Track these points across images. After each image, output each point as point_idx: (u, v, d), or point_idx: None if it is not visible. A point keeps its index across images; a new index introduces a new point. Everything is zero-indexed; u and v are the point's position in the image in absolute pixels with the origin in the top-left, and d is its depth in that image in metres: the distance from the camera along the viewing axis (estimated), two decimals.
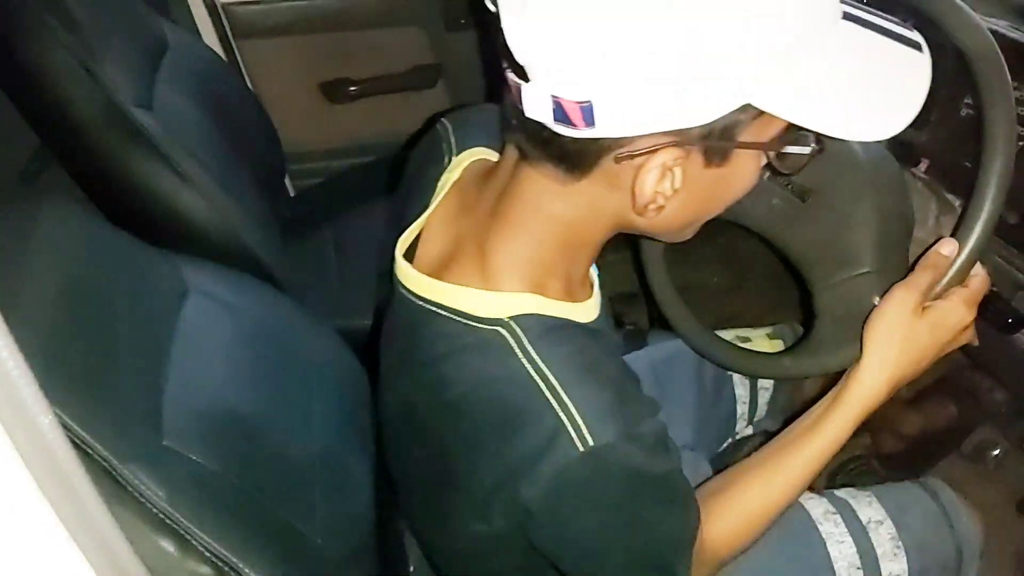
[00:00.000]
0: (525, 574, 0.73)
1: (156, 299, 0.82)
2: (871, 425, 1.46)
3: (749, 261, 1.59)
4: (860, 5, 0.60)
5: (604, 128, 0.53)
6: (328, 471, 0.85)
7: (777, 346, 1.19)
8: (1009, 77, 0.77)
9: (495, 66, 0.58)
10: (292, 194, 1.75)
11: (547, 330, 0.62)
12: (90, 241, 0.80)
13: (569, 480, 0.58)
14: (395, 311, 0.73)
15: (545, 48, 0.51)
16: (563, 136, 0.54)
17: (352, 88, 1.70)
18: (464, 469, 0.65)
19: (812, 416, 0.78)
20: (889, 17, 0.62)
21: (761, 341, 1.20)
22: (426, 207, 0.71)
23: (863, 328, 0.76)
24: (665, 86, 0.50)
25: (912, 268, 0.78)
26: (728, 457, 1.18)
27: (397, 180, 1.58)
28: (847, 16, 0.57)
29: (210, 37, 1.54)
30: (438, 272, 0.66)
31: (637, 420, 0.61)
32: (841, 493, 0.97)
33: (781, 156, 0.61)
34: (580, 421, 0.58)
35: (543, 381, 0.59)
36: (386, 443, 0.86)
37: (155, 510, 0.62)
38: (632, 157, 0.55)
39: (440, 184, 0.73)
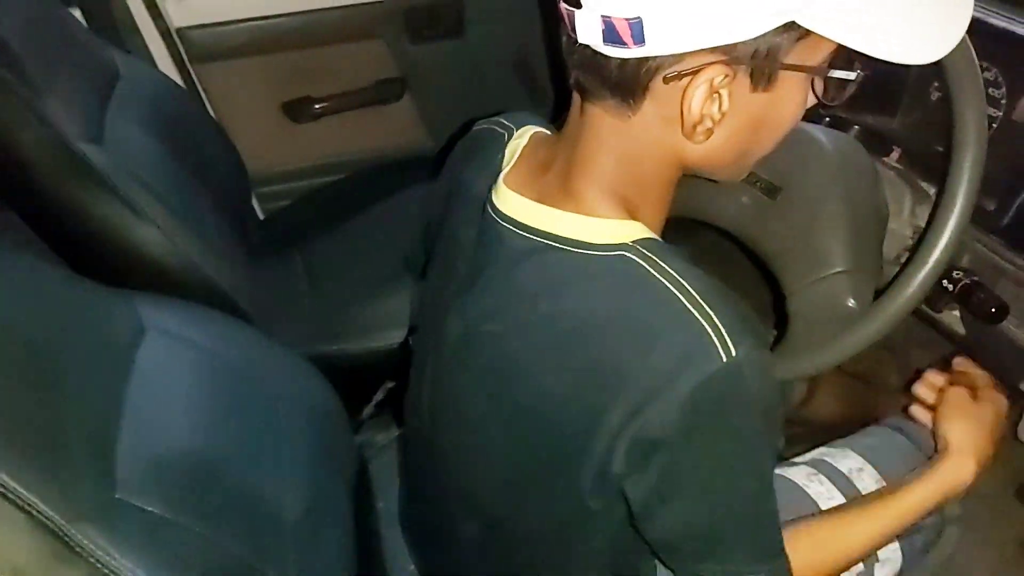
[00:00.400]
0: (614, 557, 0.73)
1: (110, 343, 0.79)
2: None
3: (722, 264, 1.57)
4: None
5: (653, 46, 0.54)
6: (302, 512, 0.82)
7: None
8: (976, 59, 0.75)
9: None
10: (261, 217, 1.72)
11: (670, 251, 0.61)
12: (38, 287, 0.76)
13: (710, 394, 0.57)
14: (480, 260, 0.70)
15: None
16: (613, 60, 0.56)
17: (316, 106, 1.68)
18: (581, 415, 0.62)
19: (905, 482, 0.83)
20: None
21: None
22: (496, 171, 0.70)
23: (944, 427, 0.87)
24: (713, 2, 0.52)
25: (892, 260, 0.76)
26: None
27: (369, 197, 1.56)
28: None
29: (166, 64, 1.51)
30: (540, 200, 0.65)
31: (759, 331, 0.63)
32: (815, 453, 0.98)
33: (827, 83, 0.61)
34: (723, 329, 0.57)
35: (683, 294, 0.58)
36: (433, 430, 0.81)
37: (107, 571, 0.58)
38: (680, 77, 0.56)
39: (508, 152, 0.72)
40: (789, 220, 0.85)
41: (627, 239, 0.61)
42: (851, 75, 0.60)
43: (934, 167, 0.88)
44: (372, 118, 1.71)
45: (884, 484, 0.92)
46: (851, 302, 0.80)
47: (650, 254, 0.60)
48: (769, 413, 0.61)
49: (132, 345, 0.79)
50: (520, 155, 0.71)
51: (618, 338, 0.60)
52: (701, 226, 0.95)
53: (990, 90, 0.90)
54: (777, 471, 0.94)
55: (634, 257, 0.60)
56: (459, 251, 0.73)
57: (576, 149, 0.64)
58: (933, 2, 0.58)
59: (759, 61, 0.56)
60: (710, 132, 0.58)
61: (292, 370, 1.00)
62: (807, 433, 1.46)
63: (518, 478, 0.72)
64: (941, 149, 0.88)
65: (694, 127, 0.58)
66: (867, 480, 0.93)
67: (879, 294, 0.80)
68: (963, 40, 0.74)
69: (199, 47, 1.53)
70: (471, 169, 0.75)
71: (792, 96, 0.61)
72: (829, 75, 0.60)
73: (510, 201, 0.67)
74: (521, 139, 0.72)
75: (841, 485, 0.92)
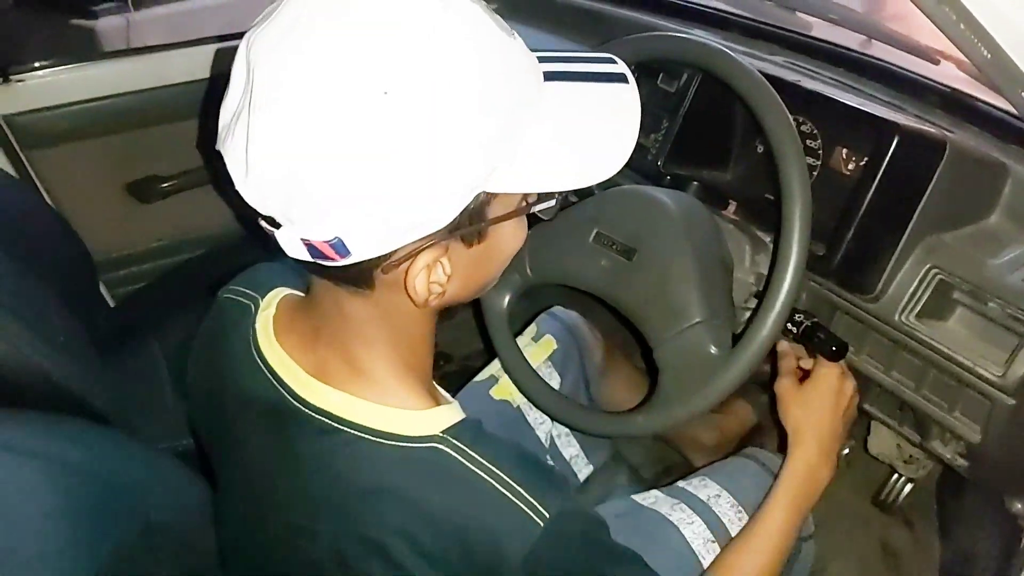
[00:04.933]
0: None
1: None
2: (677, 444, 1.53)
3: (590, 302, 1.63)
4: (561, 55, 0.63)
5: (359, 253, 0.55)
6: None
7: (548, 345, 1.19)
8: (789, 117, 0.82)
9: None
10: (112, 305, 1.63)
11: (474, 434, 0.64)
12: None
13: (544, 555, 0.61)
14: (269, 431, 0.69)
15: (279, 202, 0.53)
16: (329, 267, 0.57)
17: (163, 185, 1.62)
18: None
19: (762, 508, 0.93)
20: (588, 56, 0.66)
21: (531, 350, 1.17)
22: (247, 352, 0.70)
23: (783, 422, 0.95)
24: (400, 206, 0.53)
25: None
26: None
27: (226, 273, 1.52)
28: (549, 76, 0.60)
29: None
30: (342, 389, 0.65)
31: (563, 481, 0.69)
32: (678, 484, 1.05)
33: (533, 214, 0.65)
34: (533, 499, 0.61)
35: (495, 480, 0.61)
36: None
37: None
38: (397, 266, 0.58)
39: (259, 325, 0.71)
40: (646, 279, 0.90)
41: (436, 430, 0.63)
42: (551, 203, 0.64)
43: (767, 215, 0.96)
44: (224, 192, 1.67)
45: (739, 507, 0.99)
46: (713, 349, 0.85)
47: (461, 444, 0.62)
48: (602, 538, 0.68)
49: None
50: (274, 330, 0.70)
51: (454, 529, 0.62)
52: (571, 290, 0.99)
53: (807, 141, 0.99)
54: (644, 503, 1.01)
55: (446, 449, 0.62)
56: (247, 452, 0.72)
57: (342, 322, 0.65)
58: (600, 134, 0.62)
59: (464, 229, 0.58)
60: (442, 294, 0.61)
61: (159, 470, 0.95)
62: (684, 463, 1.53)
63: None
64: (771, 197, 0.96)
65: (426, 301, 0.60)
66: (724, 505, 0.99)
67: (736, 338, 0.86)
68: (778, 104, 0.82)
69: (30, 133, 1.45)
70: (224, 358, 0.74)
71: (508, 233, 0.64)
72: (533, 211, 0.64)
73: (304, 382, 0.66)
74: (269, 309, 0.72)
75: (700, 511, 0.98)
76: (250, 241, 1.67)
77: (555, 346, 1.19)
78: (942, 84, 1.01)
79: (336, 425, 0.64)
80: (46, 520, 0.76)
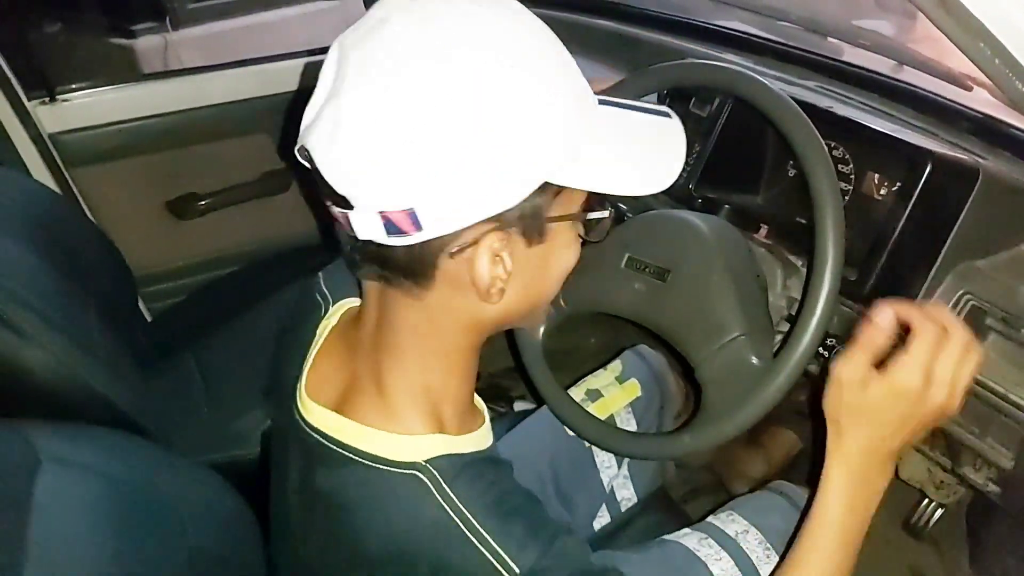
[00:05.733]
0: None
1: (4, 478, 0.75)
2: (721, 474, 1.52)
3: (621, 322, 1.63)
4: (610, 98, 0.68)
5: (431, 229, 0.58)
6: None
7: (632, 390, 1.19)
8: (822, 142, 0.83)
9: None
10: (148, 319, 1.67)
11: (459, 470, 0.64)
12: None
13: None
14: (290, 450, 0.72)
15: (362, 171, 0.56)
16: (398, 249, 0.59)
17: (201, 203, 1.66)
18: None
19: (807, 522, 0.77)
20: (636, 104, 0.70)
21: (614, 392, 1.18)
22: (305, 356, 0.73)
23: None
24: (474, 182, 0.57)
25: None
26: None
27: (260, 290, 1.54)
28: (603, 102, 0.65)
29: (40, 171, 1.46)
30: (340, 410, 0.67)
31: (553, 538, 0.63)
32: (707, 520, 1.03)
33: (588, 225, 0.68)
34: (503, 552, 0.60)
35: (463, 523, 0.61)
36: None
37: None
38: (462, 250, 0.60)
39: (319, 331, 0.75)
40: (682, 298, 0.91)
41: (422, 458, 0.64)
42: (604, 213, 0.67)
43: (799, 238, 0.97)
44: (259, 210, 1.71)
45: (767, 545, 0.97)
46: (755, 360, 0.85)
47: (438, 476, 0.63)
48: None
49: (29, 481, 0.76)
50: (328, 336, 0.74)
51: (411, 569, 0.62)
52: (606, 318, 1.00)
53: (839, 166, 0.99)
54: (671, 538, 0.99)
55: (424, 479, 0.63)
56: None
57: (379, 334, 0.67)
58: (653, 144, 0.67)
59: (527, 221, 0.61)
60: (502, 291, 0.63)
61: (198, 483, 0.97)
62: (715, 481, 1.53)
63: None
64: (803, 221, 0.97)
65: (488, 291, 0.62)
66: (752, 543, 0.98)
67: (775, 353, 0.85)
68: (810, 129, 0.83)
69: (74, 152, 1.50)
70: (297, 337, 0.78)
71: (564, 242, 0.67)
72: (587, 217, 0.67)
73: (310, 407, 0.69)
74: (332, 319, 0.76)
75: (728, 547, 0.97)
76: (283, 259, 1.70)
77: (639, 393, 1.19)
78: (974, 110, 1.01)
79: (329, 446, 0.66)
80: (95, 530, 0.78)
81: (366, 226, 0.58)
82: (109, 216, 1.57)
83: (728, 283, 0.89)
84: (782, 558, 0.80)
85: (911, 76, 1.13)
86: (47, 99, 1.47)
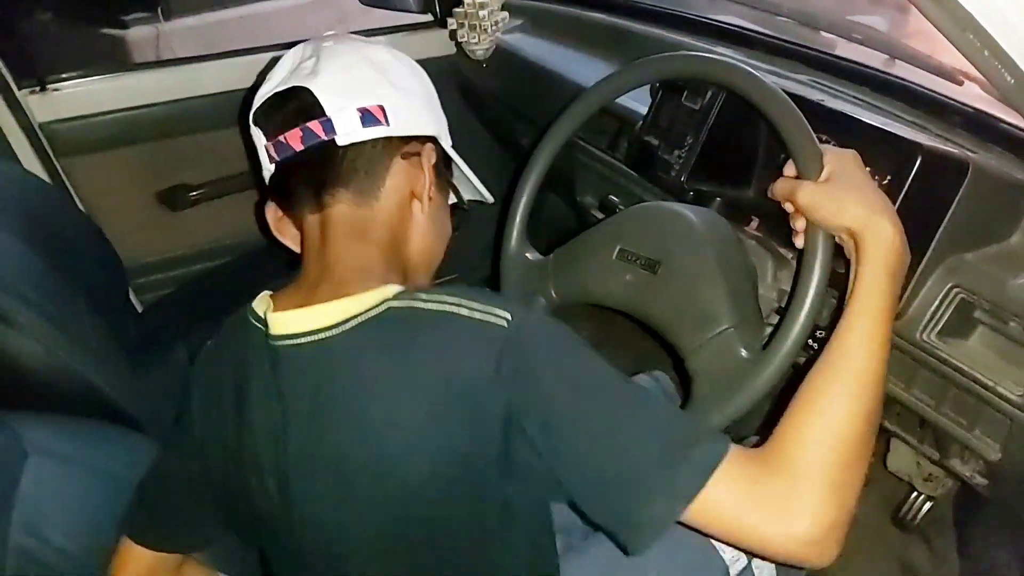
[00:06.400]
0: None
1: None
2: None
3: (612, 313, 1.64)
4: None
5: (396, 127, 0.79)
6: None
7: None
8: (813, 135, 0.83)
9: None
10: (139, 310, 1.66)
11: (418, 289, 0.73)
12: None
13: (513, 354, 0.67)
14: (277, 390, 0.75)
15: (345, 80, 0.78)
16: (366, 146, 0.78)
17: (192, 193, 1.65)
18: (446, 440, 0.69)
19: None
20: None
21: None
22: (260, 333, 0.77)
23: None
24: (416, 103, 0.83)
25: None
26: None
27: (252, 281, 1.53)
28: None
29: (30, 161, 1.45)
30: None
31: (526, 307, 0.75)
32: None
33: (457, 201, 0.91)
34: (489, 313, 0.69)
35: (450, 305, 0.70)
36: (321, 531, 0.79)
37: None
38: (413, 155, 0.81)
39: (254, 305, 0.79)
40: (672, 289, 0.91)
41: (383, 298, 0.72)
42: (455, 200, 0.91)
43: (790, 231, 0.96)
44: (251, 201, 1.70)
45: None
46: (744, 352, 0.85)
47: (407, 299, 0.72)
48: (572, 343, 0.71)
49: (15, 473, 0.76)
50: (272, 298, 0.79)
51: (431, 369, 0.69)
52: (597, 309, 1.01)
53: None
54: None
55: (398, 304, 0.71)
56: (258, 405, 0.77)
57: (327, 253, 0.78)
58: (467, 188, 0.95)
59: (440, 155, 0.85)
60: (431, 200, 0.82)
61: None
62: None
63: (422, 531, 0.75)
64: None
65: (424, 194, 0.81)
66: None
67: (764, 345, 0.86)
68: (801, 122, 0.83)
69: (65, 141, 1.49)
70: (232, 349, 0.83)
71: (444, 204, 0.89)
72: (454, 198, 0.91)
73: (281, 323, 0.74)
74: (263, 299, 0.80)
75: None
76: (274, 250, 1.69)
77: None
78: (965, 104, 1.01)
79: (298, 341, 0.72)
80: (77, 523, 0.78)
81: (346, 123, 0.76)
82: (100, 206, 1.56)
83: (718, 275, 0.89)
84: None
85: (903, 70, 1.14)
86: (38, 88, 1.46)
